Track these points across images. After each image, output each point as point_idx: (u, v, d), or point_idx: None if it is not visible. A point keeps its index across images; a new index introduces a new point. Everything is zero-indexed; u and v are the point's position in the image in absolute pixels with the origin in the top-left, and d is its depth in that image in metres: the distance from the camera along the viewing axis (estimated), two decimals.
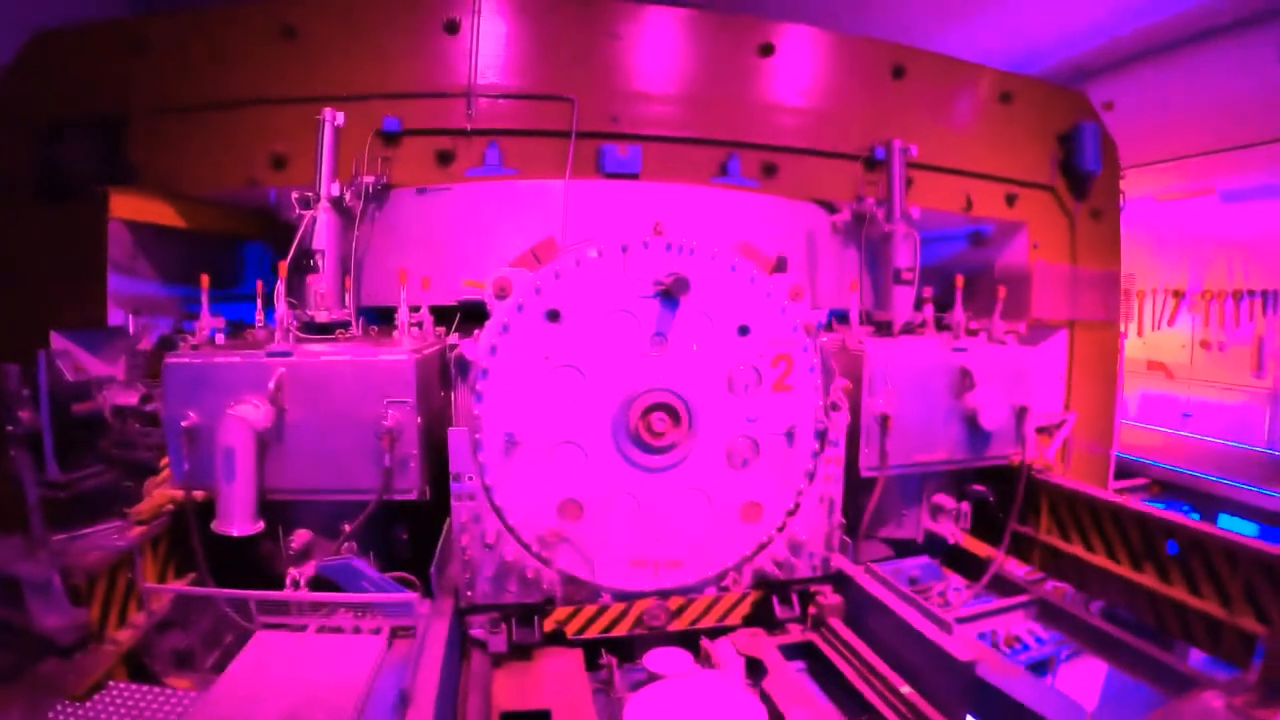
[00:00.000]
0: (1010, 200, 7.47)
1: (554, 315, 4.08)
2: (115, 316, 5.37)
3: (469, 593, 4.07)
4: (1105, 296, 8.03)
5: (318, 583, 4.17)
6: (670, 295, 4.17)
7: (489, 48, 5.63)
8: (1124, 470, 7.81)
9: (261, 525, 3.98)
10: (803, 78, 6.52)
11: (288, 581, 4.08)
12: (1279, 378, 9.70)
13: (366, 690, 3.19)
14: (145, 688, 3.53)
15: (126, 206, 5.28)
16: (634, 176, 5.78)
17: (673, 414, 4.25)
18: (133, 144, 5.29)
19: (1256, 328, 10.02)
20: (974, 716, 3.32)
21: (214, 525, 3.93)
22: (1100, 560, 4.79)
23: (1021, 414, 5.49)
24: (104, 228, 5.19)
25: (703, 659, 4.21)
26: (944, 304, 6.20)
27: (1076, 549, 5.05)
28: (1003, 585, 5.35)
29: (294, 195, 4.84)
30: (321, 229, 4.78)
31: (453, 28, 5.53)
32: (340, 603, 3.84)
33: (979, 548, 5.72)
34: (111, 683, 3.50)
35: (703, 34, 6.22)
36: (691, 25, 6.19)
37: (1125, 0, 10.04)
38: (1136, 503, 4.75)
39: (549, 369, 4.10)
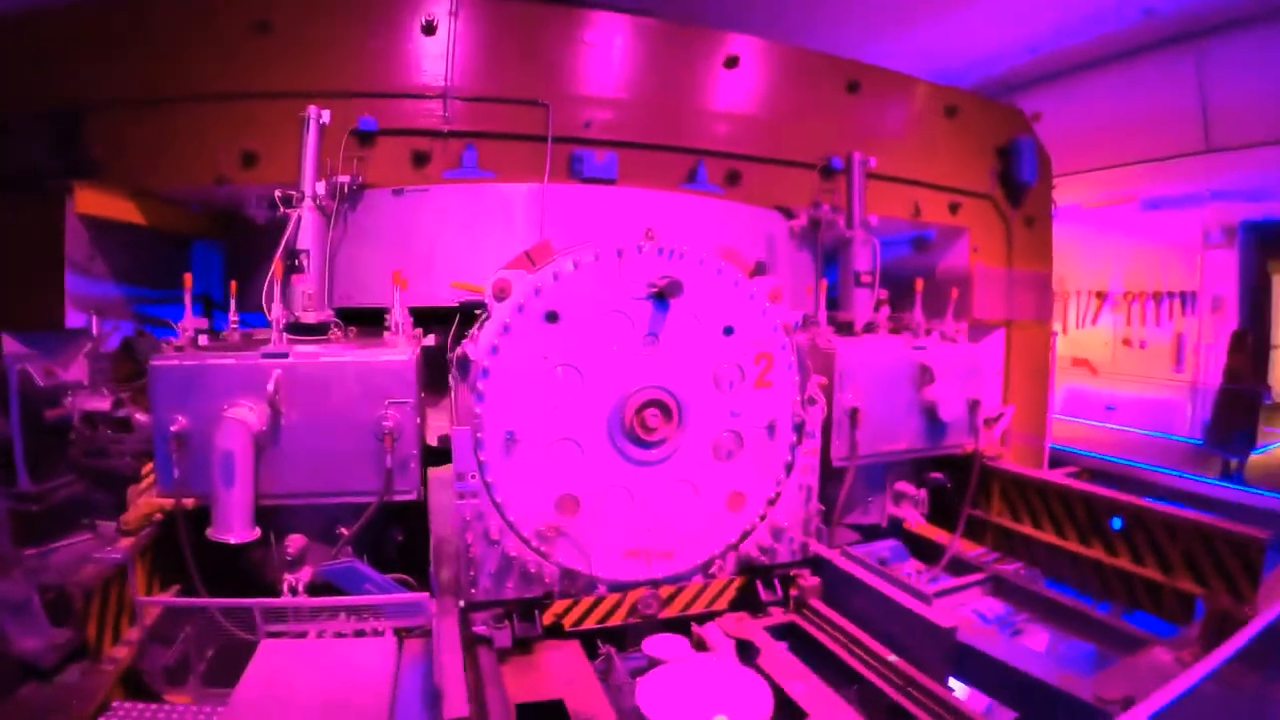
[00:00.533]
0: (953, 208, 8.13)
1: (552, 316, 4.31)
2: (71, 318, 5.25)
3: (472, 590, 4.24)
4: (1038, 298, 8.81)
5: (314, 588, 4.26)
6: (663, 297, 4.47)
7: (466, 50, 5.79)
8: (1055, 460, 8.60)
9: (259, 532, 4.03)
10: (765, 90, 6.95)
11: (285, 588, 4.15)
12: (1197, 372, 10.86)
13: (391, 691, 3.33)
14: (151, 706, 3.53)
15: (90, 202, 5.16)
16: (611, 182, 6.05)
17: (665, 410, 4.55)
18: (93, 137, 5.18)
19: (1175, 326, 11.16)
20: (957, 678, 3.75)
21: (210, 533, 3.94)
22: (1050, 538, 5.37)
23: (974, 406, 6.07)
24: (63, 224, 5.07)
25: (696, 643, 4.52)
26: (892, 305, 6.78)
27: (1027, 529, 5.63)
28: (959, 566, 5.88)
29: (277, 194, 4.87)
30: (306, 229, 4.84)
31: (430, 28, 5.67)
32: (348, 606, 3.94)
33: (935, 533, 6.26)
34: (115, 703, 3.47)
35: (672, 45, 6.56)
36: (661, 36, 6.52)
37: (1054, 20, 11.02)
38: (1082, 484, 5.36)
39: (548, 368, 4.33)
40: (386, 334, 4.81)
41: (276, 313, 4.33)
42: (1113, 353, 11.89)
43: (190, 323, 4.40)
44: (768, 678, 3.95)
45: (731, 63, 6.67)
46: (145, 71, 5.27)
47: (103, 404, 4.58)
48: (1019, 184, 8.19)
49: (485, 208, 5.78)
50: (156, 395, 4.06)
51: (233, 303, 4.81)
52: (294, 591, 4.10)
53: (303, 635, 3.91)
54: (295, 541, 4.26)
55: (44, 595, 3.62)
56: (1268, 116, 11.13)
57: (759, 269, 5.03)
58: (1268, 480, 10.51)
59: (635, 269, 4.45)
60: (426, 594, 3.88)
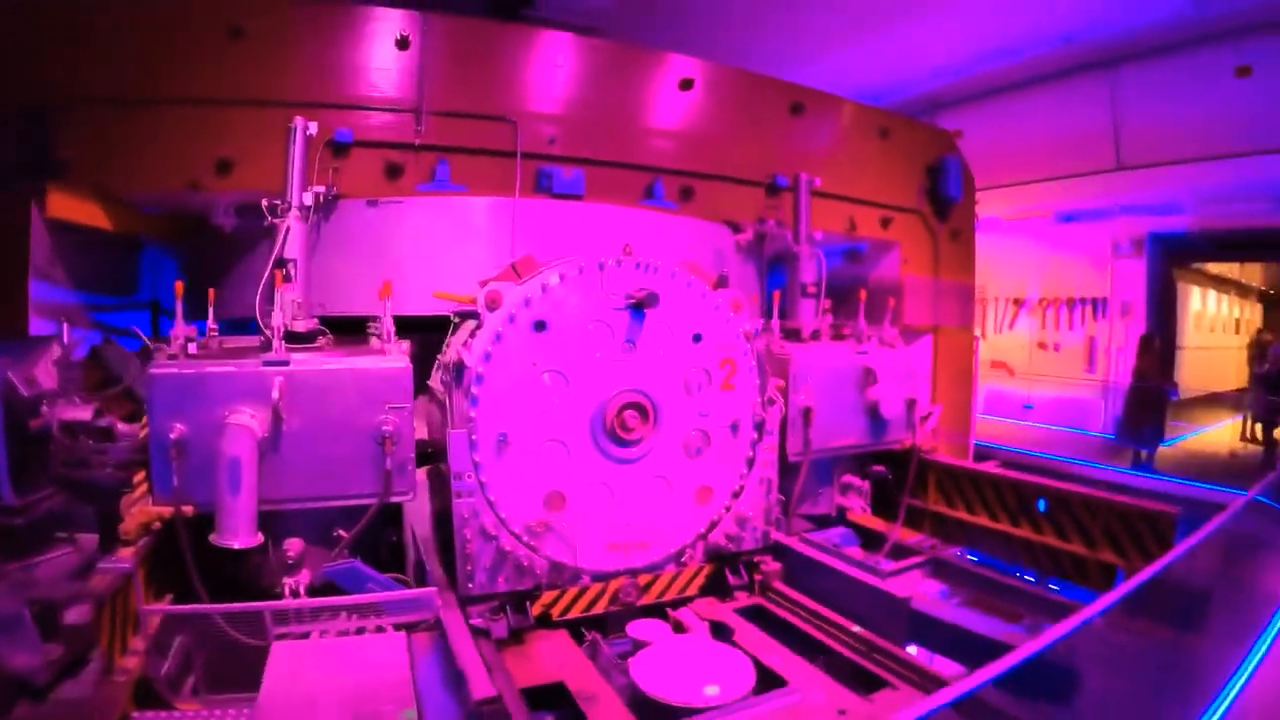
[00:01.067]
0: (885, 223, 8.97)
1: (540, 325, 4.74)
2: (33, 326, 5.28)
3: (469, 584, 4.61)
4: (962, 305, 9.78)
5: (313, 589, 4.53)
6: (640, 307, 4.97)
7: (437, 66, 6.14)
8: (979, 455, 9.56)
9: (262, 537, 4.26)
10: (716, 111, 7.56)
11: (286, 591, 4.40)
12: (1108, 373, 12.26)
13: (413, 679, 3.66)
14: (173, 715, 3.72)
15: (60, 205, 5.22)
16: (579, 197, 6.52)
17: (642, 412, 5.04)
18: (64, 138, 5.23)
19: (1087, 330, 12.54)
20: (916, 644, 4.37)
21: (214, 539, 4.12)
22: (983, 521, 6.15)
23: (911, 405, 6.82)
24: (28, 227, 5.10)
25: (674, 626, 5.03)
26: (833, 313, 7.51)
27: (961, 514, 6.40)
28: (901, 552, 6.59)
29: (264, 203, 5.09)
30: (294, 238, 5.08)
31: (404, 43, 5.99)
32: (355, 605, 4.21)
33: (877, 522, 6.97)
34: (135, 714, 3.59)
35: (631, 67, 7.08)
36: (620, 58, 7.04)
37: (980, 45, 12.20)
38: (1010, 472, 6.18)
39: (536, 374, 4.75)
40: (373, 341, 5.11)
41: (277, 320, 4.57)
42: (1029, 355, 13.19)
43: (182, 330, 4.54)
44: (745, 652, 4.49)
45: (686, 85, 7.25)
46: (120, 72, 5.34)
47: (83, 413, 4.68)
48: (946, 200, 9.10)
49: (458, 220, 6.14)
50: (154, 403, 4.25)
51: (210, 310, 4.97)
52: (295, 594, 4.36)
53: (306, 636, 4.16)
54: (294, 545, 4.52)
55: (32, 610, 3.74)
56: (1173, 138, 12.66)
57: (721, 281, 5.60)
58: (1175, 469, 11.94)
59: (614, 281, 4.93)
60: (434, 589, 4.22)
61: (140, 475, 4.43)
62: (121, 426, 4.79)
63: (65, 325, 5.11)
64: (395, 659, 3.81)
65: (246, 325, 6.07)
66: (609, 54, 6.97)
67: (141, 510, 4.35)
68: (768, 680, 4.21)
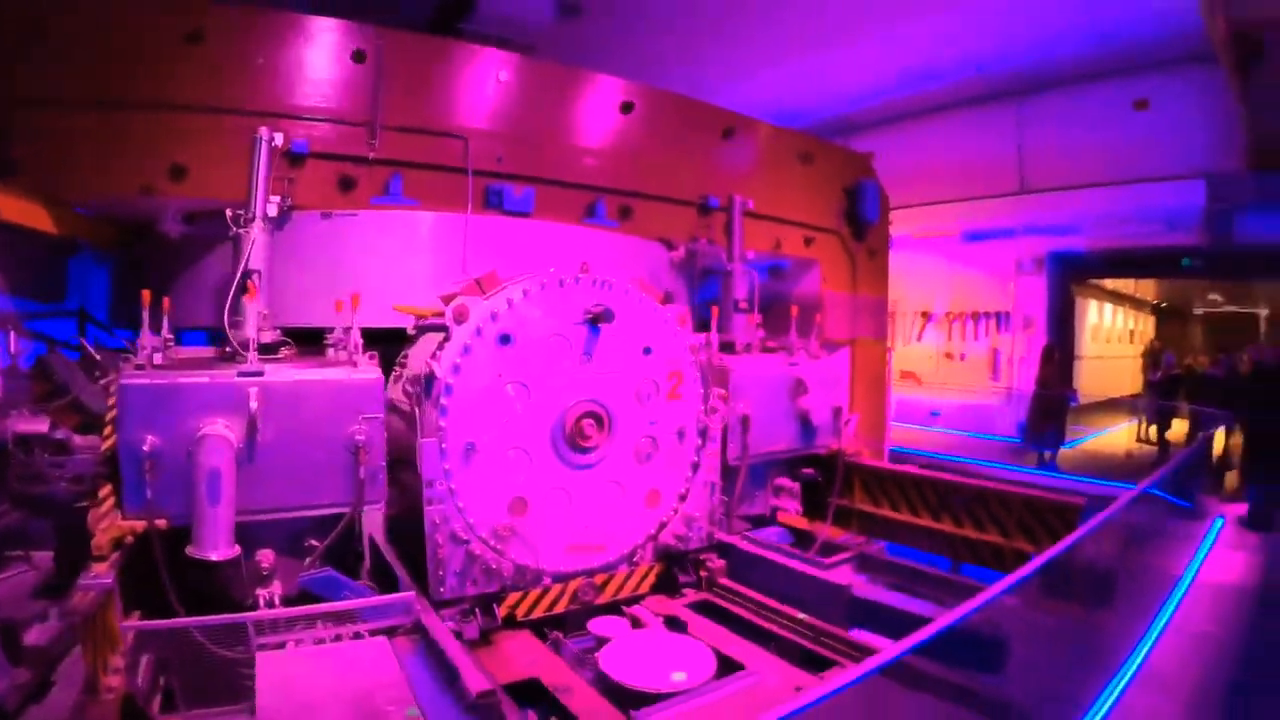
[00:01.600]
0: (808, 242, 9.79)
1: (506, 339, 5.15)
2: None
3: (441, 588, 4.95)
4: (877, 319, 10.73)
5: (288, 599, 4.73)
6: (597, 322, 5.45)
7: (391, 81, 6.44)
8: (894, 459, 10.51)
9: (239, 549, 4.40)
10: (654, 134, 8.15)
11: (261, 602, 4.58)
12: (1012, 381, 13.66)
13: (408, 680, 3.94)
14: None
15: (5, 206, 5.19)
16: (527, 215, 6.94)
17: (599, 420, 5.52)
18: (14, 138, 5.22)
19: (991, 342, 13.93)
20: (859, 628, 5.01)
21: (191, 551, 4.23)
22: (906, 518, 6.93)
23: (837, 412, 7.57)
24: None
25: (632, 622, 5.50)
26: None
27: (886, 512, 7.17)
28: (830, 549, 7.30)
29: (229, 212, 5.25)
30: (258, 249, 5.27)
31: (360, 56, 6.25)
32: (336, 613, 4.43)
33: (805, 523, 7.67)
34: None
35: (575, 89, 7.57)
36: (566, 79, 7.52)
37: (897, 72, 13.38)
38: (930, 472, 6.99)
39: (500, 385, 5.15)
40: (330, 352, 5.31)
41: (251, 332, 4.78)
42: (936, 365, 14.48)
43: (149, 340, 4.65)
44: (703, 642, 5.02)
45: (627, 108, 7.80)
46: (75, 74, 5.41)
47: (39, 426, 4.73)
48: (863, 221, 10.02)
49: (411, 234, 6.45)
50: (125, 414, 4.34)
51: (165, 319, 5.07)
52: (270, 605, 4.56)
53: (283, 646, 4.36)
54: (266, 556, 4.69)
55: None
56: (1074, 164, 14.23)
57: (667, 298, 6.16)
58: (1075, 468, 13.39)
59: (573, 297, 5.40)
60: (411, 594, 4.53)
61: (106, 489, 4.51)
62: (77, 439, 4.87)
63: (11, 334, 5.11)
64: (383, 662, 4.09)
65: (186, 335, 6.21)
66: (554, 76, 7.43)
67: (113, 524, 4.43)
68: (726, 666, 4.74)
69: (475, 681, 3.75)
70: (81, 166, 5.50)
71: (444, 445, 4.95)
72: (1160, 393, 15.87)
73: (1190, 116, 13.75)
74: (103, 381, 5.43)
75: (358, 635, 4.49)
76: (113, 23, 5.52)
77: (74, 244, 6.56)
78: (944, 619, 3.43)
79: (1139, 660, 5.66)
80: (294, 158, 6.08)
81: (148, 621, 4.37)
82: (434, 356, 5.02)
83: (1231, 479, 11.71)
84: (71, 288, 7.15)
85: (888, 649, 3.14)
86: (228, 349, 4.95)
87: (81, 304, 7.12)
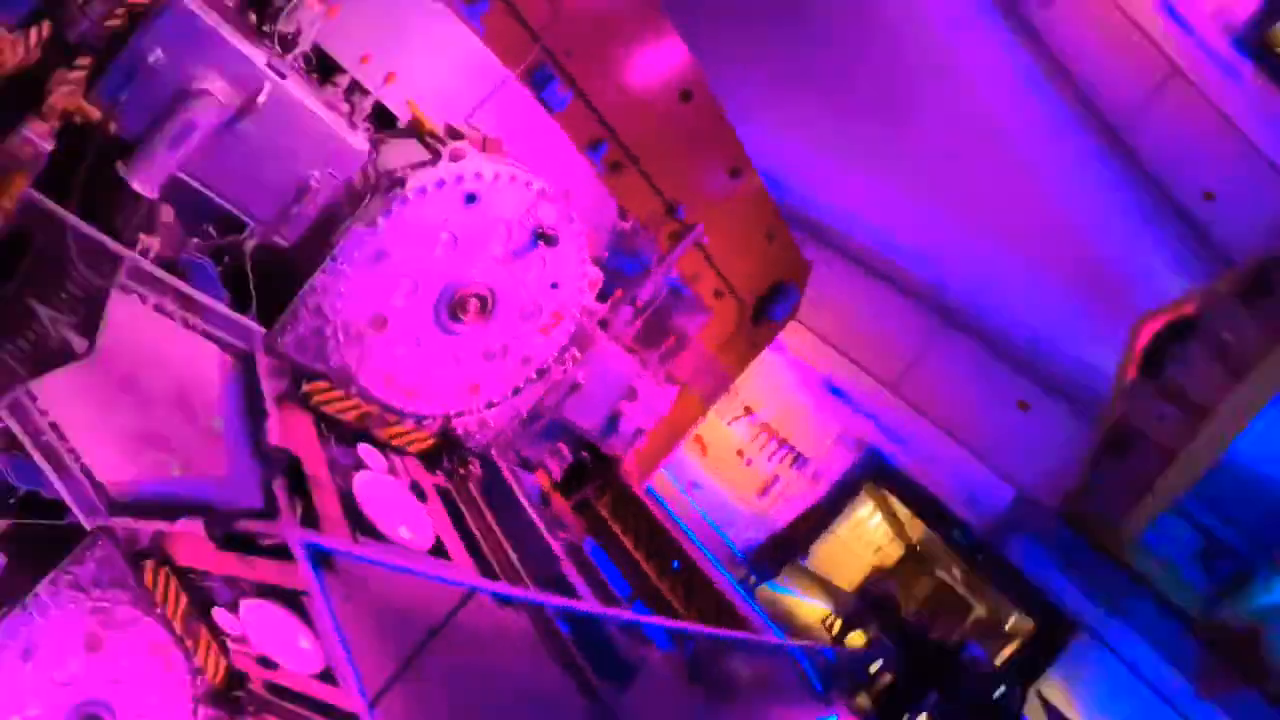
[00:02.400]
0: (717, 294, 11.13)
1: (472, 198, 5.89)
2: None
3: (282, 339, 5.57)
4: (715, 388, 12.34)
5: (160, 263, 5.14)
6: (540, 239, 6.34)
7: None
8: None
9: (159, 195, 4.72)
10: (679, 131, 9.16)
11: (138, 247, 4.86)
12: (772, 510, 15.92)
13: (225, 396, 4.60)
14: None
15: None
16: (552, 113, 7.67)
17: (484, 304, 6.36)
18: None
19: (778, 469, 16.07)
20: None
21: (121, 170, 4.51)
22: (628, 542, 8.44)
23: (638, 432, 8.96)
24: None
25: (389, 467, 6.45)
26: None
27: (616, 527, 8.66)
28: (553, 522, 8.65)
29: None
30: None
31: None
32: (189, 298, 4.81)
33: (548, 488, 8.98)
34: None
35: (658, 57, 8.42)
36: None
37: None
38: (668, 523, 8.54)
39: (440, 229, 5.93)
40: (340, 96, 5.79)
41: (306, 26, 5.21)
42: (727, 452, 16.45)
43: None
44: (431, 520, 6.07)
45: (686, 96, 8.75)
46: None
47: None
48: (769, 315, 11.58)
49: (459, 52, 6.84)
50: (158, 20, 4.48)
51: None
52: (145, 254, 4.92)
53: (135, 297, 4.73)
54: (168, 211, 5.14)
55: None
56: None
57: (599, 261, 7.25)
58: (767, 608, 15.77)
59: (542, 209, 6.30)
60: (260, 329, 5.19)
61: (87, 60, 4.73)
62: None
63: None
64: (210, 369, 4.74)
65: None
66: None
67: (74, 96, 4.48)
68: (439, 551, 5.80)
69: (275, 434, 4.61)
70: None
71: (368, 239, 5.67)
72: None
73: None
74: None
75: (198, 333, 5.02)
76: None
77: None
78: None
79: None
80: None
81: (43, 196, 4.51)
82: (412, 168, 5.73)
83: None
84: None
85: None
86: (270, 28, 5.23)
87: None
